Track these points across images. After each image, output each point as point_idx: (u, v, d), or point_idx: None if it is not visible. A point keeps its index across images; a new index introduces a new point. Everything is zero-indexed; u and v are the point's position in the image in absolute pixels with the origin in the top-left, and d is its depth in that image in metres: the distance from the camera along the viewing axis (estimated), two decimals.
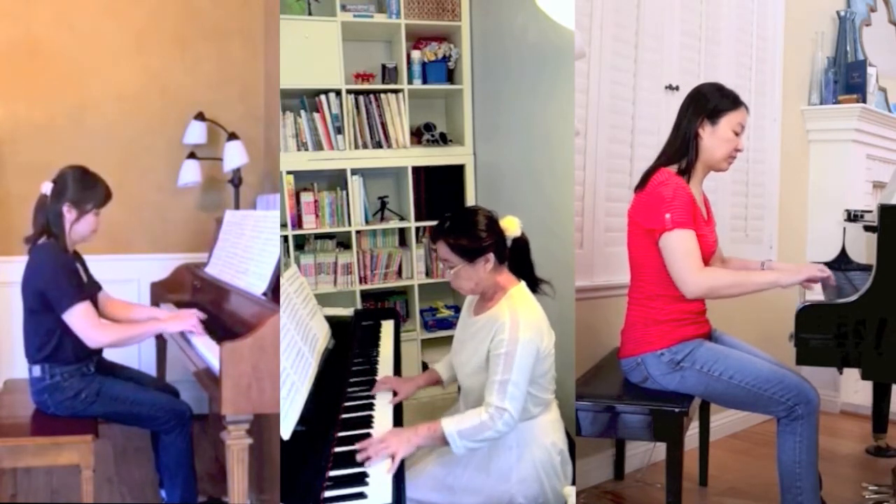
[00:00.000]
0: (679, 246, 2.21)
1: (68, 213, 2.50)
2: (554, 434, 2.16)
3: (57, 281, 2.38)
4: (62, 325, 2.39)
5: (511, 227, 2.14)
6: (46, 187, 2.52)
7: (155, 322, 2.65)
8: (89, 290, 2.55)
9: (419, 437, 1.93)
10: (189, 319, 2.61)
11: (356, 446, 1.86)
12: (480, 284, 2.12)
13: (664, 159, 2.37)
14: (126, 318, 2.75)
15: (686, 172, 2.35)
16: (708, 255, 2.35)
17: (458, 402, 2.29)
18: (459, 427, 1.95)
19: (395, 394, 2.26)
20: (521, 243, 2.18)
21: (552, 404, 2.21)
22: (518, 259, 2.19)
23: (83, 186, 2.53)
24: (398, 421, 2.09)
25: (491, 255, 2.08)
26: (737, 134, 2.35)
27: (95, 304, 2.54)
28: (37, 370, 2.45)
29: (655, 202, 2.25)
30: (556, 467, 2.12)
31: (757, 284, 2.32)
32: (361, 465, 1.81)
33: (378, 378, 2.36)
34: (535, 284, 2.20)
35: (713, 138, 2.34)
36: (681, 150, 2.35)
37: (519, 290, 2.12)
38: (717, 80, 2.48)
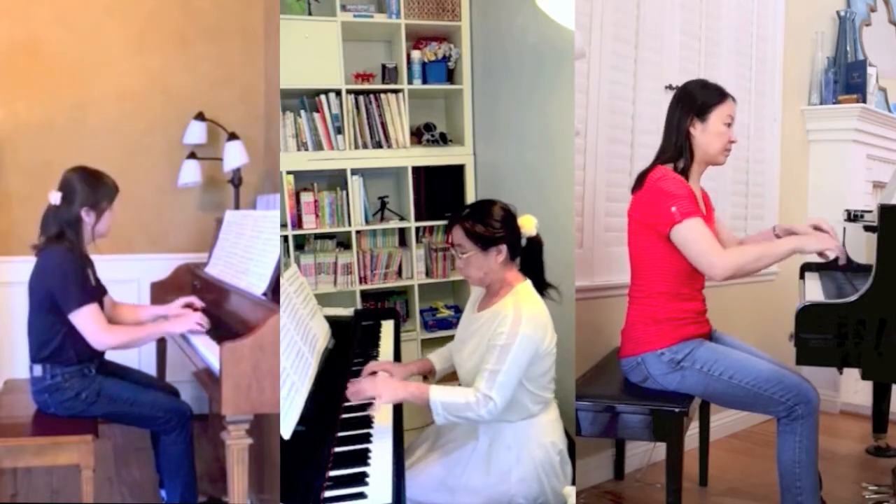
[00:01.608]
0: (694, 234, 2.20)
1: (87, 217, 2.50)
2: (553, 434, 2.16)
3: (66, 281, 2.38)
4: (66, 325, 2.40)
5: (527, 225, 2.15)
6: (55, 197, 2.49)
7: (159, 324, 2.65)
8: (97, 293, 2.55)
9: (407, 392, 2.02)
10: (192, 319, 2.60)
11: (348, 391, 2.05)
12: (489, 275, 2.13)
13: (661, 161, 2.37)
14: (133, 320, 2.75)
15: (684, 171, 2.35)
16: None
17: None
18: (444, 399, 1.99)
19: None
20: (536, 243, 2.19)
21: (552, 404, 2.21)
22: (530, 259, 2.19)
23: (92, 186, 2.53)
24: (398, 419, 2.09)
25: (504, 248, 2.10)
26: (728, 125, 2.35)
27: (102, 307, 2.54)
28: (38, 370, 2.45)
29: (657, 198, 2.24)
30: (555, 467, 2.13)
31: (780, 253, 2.27)
32: (361, 465, 1.81)
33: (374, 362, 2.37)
34: (542, 287, 2.20)
35: (705, 135, 2.34)
36: (676, 151, 2.36)
37: (525, 287, 2.13)
38: (717, 80, 2.47)
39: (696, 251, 2.21)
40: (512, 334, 1.98)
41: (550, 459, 2.12)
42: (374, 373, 2.26)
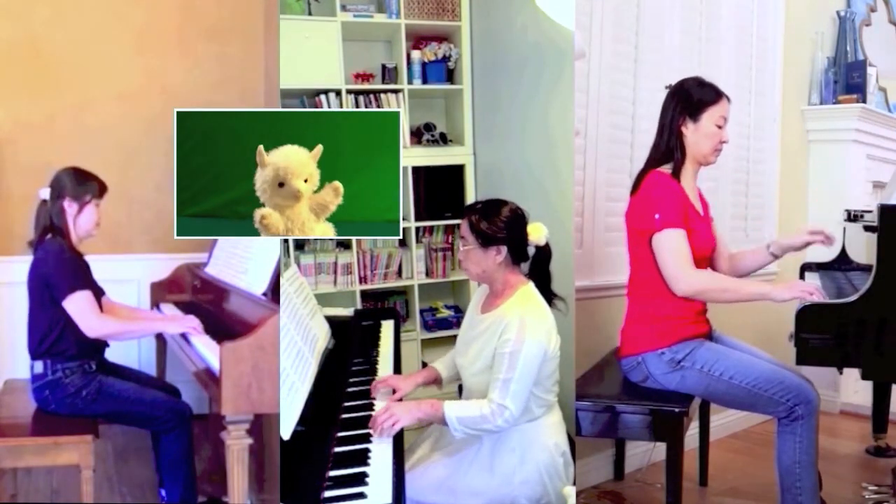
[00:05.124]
0: (669, 245, 2.22)
1: (69, 208, 2.54)
2: (557, 435, 2.16)
3: (60, 269, 2.42)
4: (64, 317, 2.41)
5: (534, 233, 2.15)
6: (44, 192, 2.55)
7: (154, 321, 2.67)
8: (92, 286, 2.55)
9: (421, 411, 2.02)
10: (188, 321, 2.63)
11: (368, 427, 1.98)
12: (486, 273, 2.14)
13: (654, 161, 2.38)
14: (129, 320, 2.76)
15: (677, 171, 2.35)
16: (707, 251, 2.36)
17: None
18: (460, 413, 2.00)
19: (393, 391, 2.27)
20: (544, 253, 2.19)
21: (555, 406, 2.21)
22: (537, 268, 2.19)
23: (79, 182, 2.57)
24: None
25: (504, 249, 2.10)
26: (720, 127, 2.35)
27: (100, 305, 2.55)
28: (38, 366, 2.45)
29: (645, 204, 2.27)
30: (558, 469, 2.13)
31: (748, 294, 2.29)
32: (361, 465, 1.81)
33: (377, 378, 2.36)
34: (549, 297, 2.19)
35: (696, 135, 2.35)
36: (667, 150, 2.36)
37: (527, 290, 2.13)
38: (717, 79, 2.48)
39: (667, 262, 2.23)
40: (519, 341, 1.99)
41: (554, 461, 2.12)
42: (383, 382, 2.27)
